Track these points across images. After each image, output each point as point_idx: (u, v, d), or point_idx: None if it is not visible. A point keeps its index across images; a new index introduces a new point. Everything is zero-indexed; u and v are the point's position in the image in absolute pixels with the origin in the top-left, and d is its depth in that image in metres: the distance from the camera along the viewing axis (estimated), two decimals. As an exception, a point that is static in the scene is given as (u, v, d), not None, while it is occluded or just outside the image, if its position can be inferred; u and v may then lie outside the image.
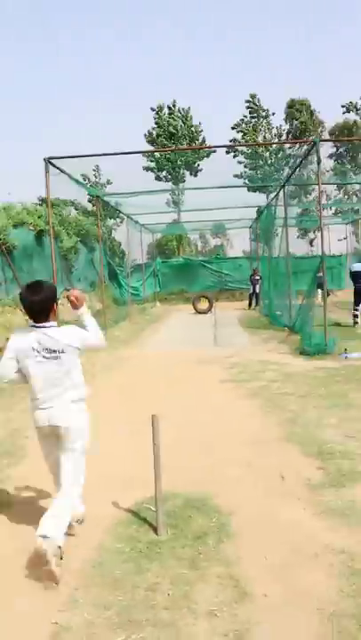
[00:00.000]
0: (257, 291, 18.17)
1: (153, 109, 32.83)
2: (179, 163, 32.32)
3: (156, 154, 31.83)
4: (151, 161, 32.43)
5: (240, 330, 12.45)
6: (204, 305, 17.91)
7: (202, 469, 3.83)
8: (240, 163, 33.72)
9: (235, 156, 33.80)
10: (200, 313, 17.43)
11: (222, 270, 24.33)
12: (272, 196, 15.10)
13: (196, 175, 33.21)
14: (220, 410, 5.42)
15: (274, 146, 33.23)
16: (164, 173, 33.01)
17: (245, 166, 33.85)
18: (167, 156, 31.62)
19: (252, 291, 18.51)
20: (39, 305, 2.65)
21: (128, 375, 7.53)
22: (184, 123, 32.47)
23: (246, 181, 32.15)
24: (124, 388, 6.70)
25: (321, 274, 8.94)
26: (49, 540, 2.49)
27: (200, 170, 33.07)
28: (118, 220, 30.89)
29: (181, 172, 32.97)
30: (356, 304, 11.14)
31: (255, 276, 18.33)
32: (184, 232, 30.43)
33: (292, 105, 33.85)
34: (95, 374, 7.55)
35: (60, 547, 2.52)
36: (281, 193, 12.03)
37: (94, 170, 34.02)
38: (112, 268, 21.12)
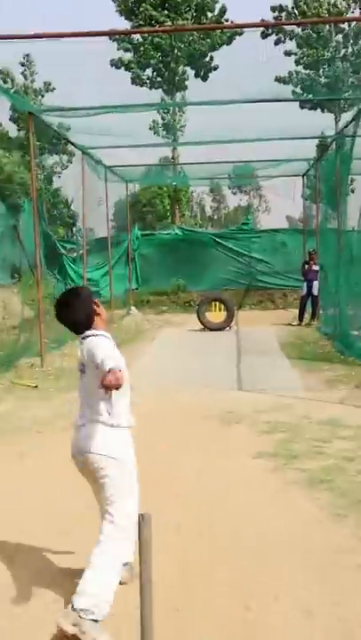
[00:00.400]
0: (314, 292, 18.26)
1: None
2: (177, 54, 32.65)
3: (136, 36, 32.06)
4: (126, 49, 32.74)
5: (284, 362, 12.49)
6: (217, 315, 17.92)
7: (227, 621, 3.86)
8: (288, 55, 33.99)
9: (278, 42, 34.07)
10: (211, 329, 17.47)
11: (251, 253, 24.45)
12: (347, 117, 15.25)
13: (206, 78, 33.55)
14: (255, 509, 5.49)
15: (353, 24, 33.21)
16: (148, 72, 33.33)
17: (298, 62, 34.16)
18: (155, 39, 31.85)
19: (305, 291, 18.60)
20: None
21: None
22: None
23: (299, 90, 32.42)
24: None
25: None
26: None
27: (214, 68, 33.46)
28: (65, 156, 31.03)
29: (181, 70, 33.28)
30: None
31: (311, 265, 18.40)
32: (183, 183, 30.54)
33: None
34: (32, 434, 7.55)
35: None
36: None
37: (23, 64, 34.38)
38: (52, 245, 21.18)
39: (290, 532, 5.03)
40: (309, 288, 18.38)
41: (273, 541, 4.86)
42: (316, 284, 18.13)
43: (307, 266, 18.59)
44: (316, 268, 18.18)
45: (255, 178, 27.47)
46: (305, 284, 18.60)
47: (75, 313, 4.08)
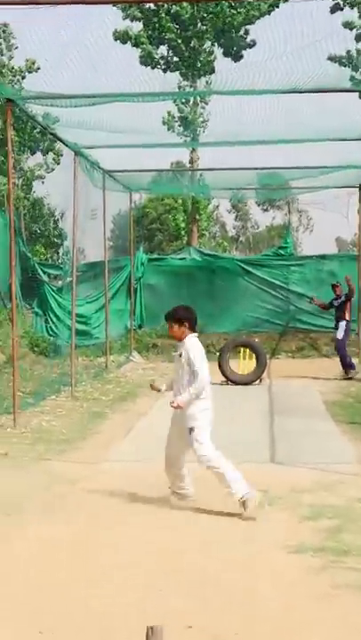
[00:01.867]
0: (338, 335, 18.79)
1: None
2: (201, 27, 33.07)
3: (149, 5, 32.44)
4: (136, 19, 33.19)
5: (331, 427, 12.66)
6: (245, 365, 18.01)
7: None
8: (349, 26, 34.27)
9: (336, 9, 34.35)
10: (236, 382, 17.47)
11: (290, 285, 24.55)
12: None
13: (238, 58, 33.87)
14: (293, 622, 5.40)
15: None
16: (162, 51, 33.76)
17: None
18: (172, 8, 32.20)
19: (342, 334, 18.83)
20: None
21: (70, 527, 7.51)
22: None
23: (359, 75, 32.64)
24: (70, 563, 6.65)
25: None
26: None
27: (250, 45, 33.83)
28: (52, 156, 31.32)
29: (205, 49, 33.66)
30: None
31: (336, 296, 18.96)
32: (203, 194, 30.65)
33: None
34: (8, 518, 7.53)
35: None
36: None
37: (-1, 37, 34.93)
38: (31, 270, 21.32)
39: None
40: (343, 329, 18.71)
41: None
42: (342, 324, 18.37)
43: (335, 299, 18.88)
44: (340, 298, 18.57)
45: (292, 188, 27.55)
46: (335, 322, 18.93)
47: (185, 314, 8.38)
